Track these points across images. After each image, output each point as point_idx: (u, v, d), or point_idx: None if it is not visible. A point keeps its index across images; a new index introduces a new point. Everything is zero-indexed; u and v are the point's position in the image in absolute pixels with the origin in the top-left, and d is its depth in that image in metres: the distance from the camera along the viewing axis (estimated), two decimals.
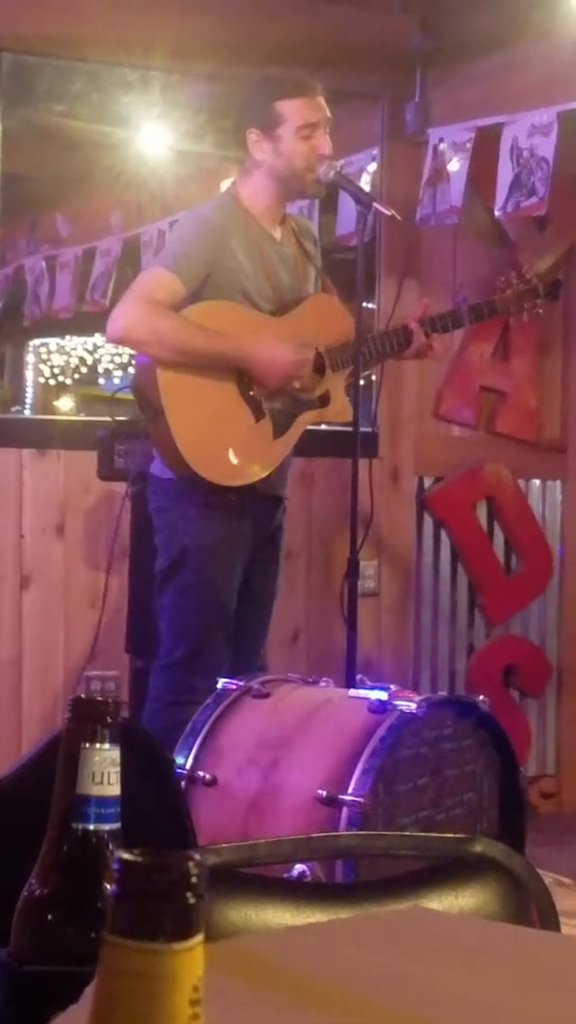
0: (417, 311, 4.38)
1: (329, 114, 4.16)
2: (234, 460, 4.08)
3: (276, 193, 4.18)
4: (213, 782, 3.51)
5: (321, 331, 4.22)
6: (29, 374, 9.41)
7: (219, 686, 3.69)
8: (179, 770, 3.48)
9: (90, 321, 7.17)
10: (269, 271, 4.15)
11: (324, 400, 4.24)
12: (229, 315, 4.08)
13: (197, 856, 0.71)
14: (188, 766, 3.53)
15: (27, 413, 8.62)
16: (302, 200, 4.82)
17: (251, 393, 4.09)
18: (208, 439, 4.04)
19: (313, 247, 4.37)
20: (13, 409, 9.12)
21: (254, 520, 4.15)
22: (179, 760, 3.52)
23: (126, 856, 0.70)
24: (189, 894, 0.70)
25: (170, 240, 4.23)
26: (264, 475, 4.12)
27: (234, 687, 3.68)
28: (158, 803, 1.77)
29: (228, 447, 4.08)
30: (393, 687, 3.63)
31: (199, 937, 0.70)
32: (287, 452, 4.21)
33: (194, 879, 0.70)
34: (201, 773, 3.52)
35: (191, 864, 0.70)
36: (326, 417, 4.29)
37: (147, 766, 1.75)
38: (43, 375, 9.46)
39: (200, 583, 4.08)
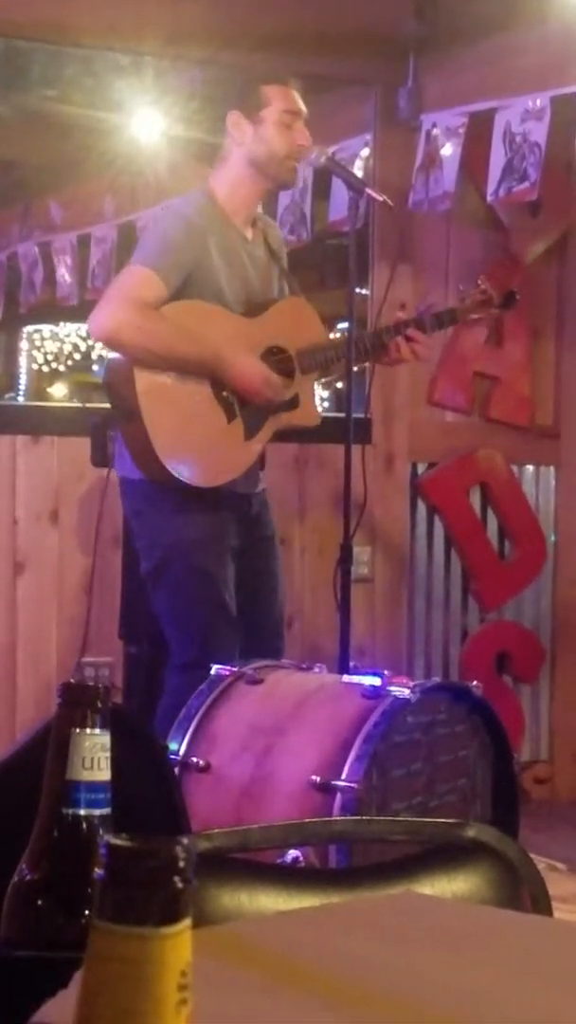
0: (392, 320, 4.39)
1: (306, 111, 4.16)
2: (207, 461, 4.07)
3: (252, 182, 4.16)
4: (207, 768, 3.51)
5: (292, 334, 4.22)
6: (22, 361, 9.42)
7: (212, 672, 3.69)
8: (172, 756, 3.48)
9: (89, 309, 7.17)
10: (241, 272, 4.15)
11: (293, 403, 4.23)
12: (205, 316, 4.06)
13: (185, 841, 0.70)
14: (181, 752, 3.54)
15: (20, 400, 8.63)
16: (286, 190, 4.80)
17: (224, 394, 4.08)
18: (183, 440, 4.03)
19: (279, 248, 4.36)
20: (7, 396, 9.11)
21: (231, 509, 4.14)
22: (172, 746, 3.52)
23: (113, 841, 0.70)
24: (177, 879, 0.69)
25: (151, 238, 4.18)
26: (235, 476, 4.11)
27: (227, 673, 3.68)
28: (152, 789, 1.77)
29: (202, 448, 4.07)
30: (387, 673, 3.64)
31: (187, 922, 0.70)
32: (257, 454, 4.19)
33: (182, 864, 0.70)
34: (195, 759, 3.52)
35: (179, 849, 0.70)
36: (295, 420, 4.26)
37: (140, 752, 1.75)
38: (36, 362, 9.46)
39: (191, 576, 4.07)
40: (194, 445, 4.06)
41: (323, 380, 4.66)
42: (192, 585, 4.07)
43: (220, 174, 4.19)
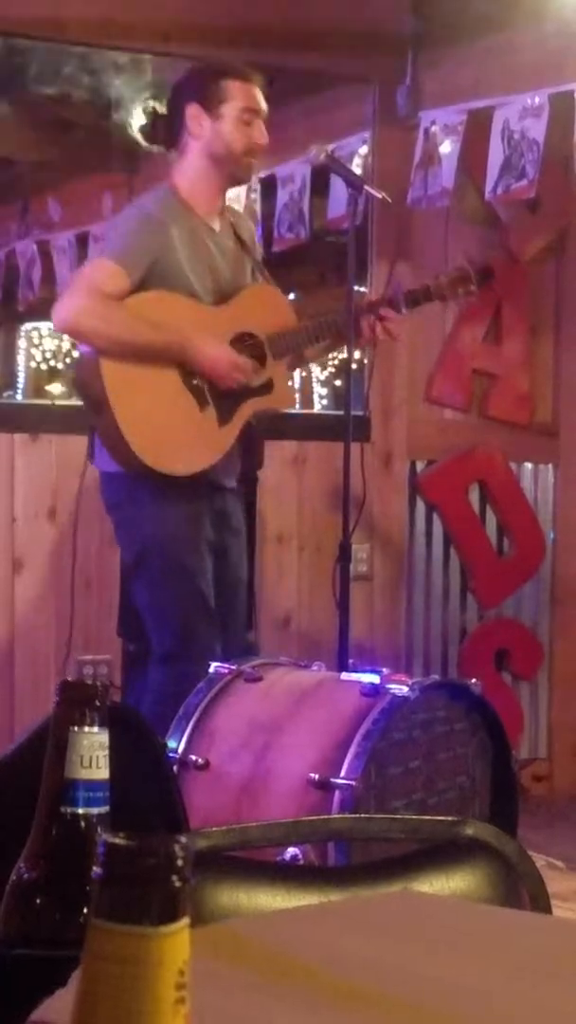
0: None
1: (266, 109, 4.15)
2: (182, 449, 4.07)
3: (211, 175, 4.16)
4: (205, 766, 3.51)
5: (261, 319, 4.22)
6: (21, 359, 9.40)
7: (211, 670, 3.69)
8: (171, 754, 3.48)
9: None
10: (209, 262, 4.15)
11: (266, 388, 4.23)
12: (171, 305, 4.07)
13: (183, 839, 0.70)
14: (180, 750, 3.53)
15: (19, 398, 8.60)
16: (241, 185, 4.78)
17: (194, 382, 4.08)
18: (155, 429, 4.03)
19: (250, 239, 4.36)
20: (5, 394, 9.09)
21: (207, 500, 4.14)
22: (171, 744, 3.52)
23: (111, 839, 0.70)
24: (175, 877, 0.69)
25: (113, 233, 4.20)
26: (213, 462, 4.10)
27: (226, 671, 3.68)
28: (150, 787, 1.77)
29: (175, 436, 4.07)
30: (385, 671, 3.64)
31: (185, 920, 0.70)
32: (233, 439, 4.19)
33: (180, 862, 0.69)
34: (193, 757, 3.52)
35: (177, 847, 0.70)
36: (269, 404, 4.27)
37: (139, 750, 1.75)
38: (35, 360, 9.44)
39: (170, 571, 4.07)
40: (167, 434, 4.06)
41: (298, 366, 4.65)
42: (170, 578, 4.08)
43: (180, 167, 4.20)
